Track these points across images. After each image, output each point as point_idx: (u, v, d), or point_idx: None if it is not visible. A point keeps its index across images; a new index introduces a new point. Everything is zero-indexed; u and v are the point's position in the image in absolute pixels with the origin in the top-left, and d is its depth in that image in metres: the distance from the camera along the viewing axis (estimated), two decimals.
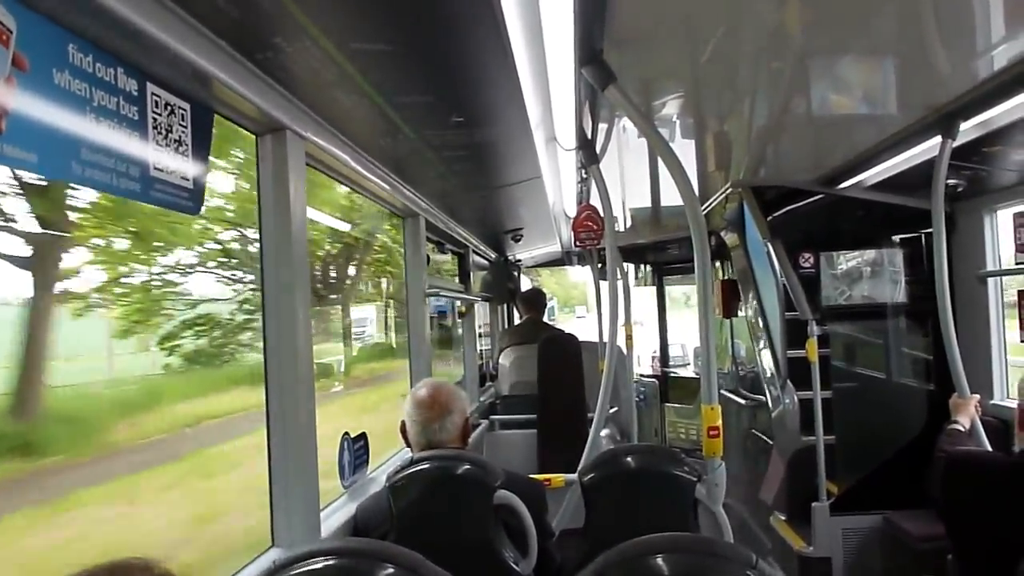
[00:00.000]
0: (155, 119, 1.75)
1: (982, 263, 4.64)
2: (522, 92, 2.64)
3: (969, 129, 3.29)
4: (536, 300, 7.15)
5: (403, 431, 2.73)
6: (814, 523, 4.57)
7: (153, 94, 1.74)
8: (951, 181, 4.17)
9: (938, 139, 3.34)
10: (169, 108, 1.81)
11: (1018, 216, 4.32)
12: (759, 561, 1.58)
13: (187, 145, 1.89)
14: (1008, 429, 3.79)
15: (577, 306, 36.84)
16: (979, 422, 3.47)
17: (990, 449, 3.39)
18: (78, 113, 1.49)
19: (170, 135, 1.81)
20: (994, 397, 4.56)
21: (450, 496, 2.45)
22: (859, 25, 2.43)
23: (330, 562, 1.65)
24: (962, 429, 3.32)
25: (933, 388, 4.88)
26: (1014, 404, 2.84)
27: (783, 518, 5.04)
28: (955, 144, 3.33)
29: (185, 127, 1.88)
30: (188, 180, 1.89)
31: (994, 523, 2.58)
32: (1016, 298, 4.35)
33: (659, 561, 1.60)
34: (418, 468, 2.45)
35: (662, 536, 1.67)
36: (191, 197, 1.91)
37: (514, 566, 2.42)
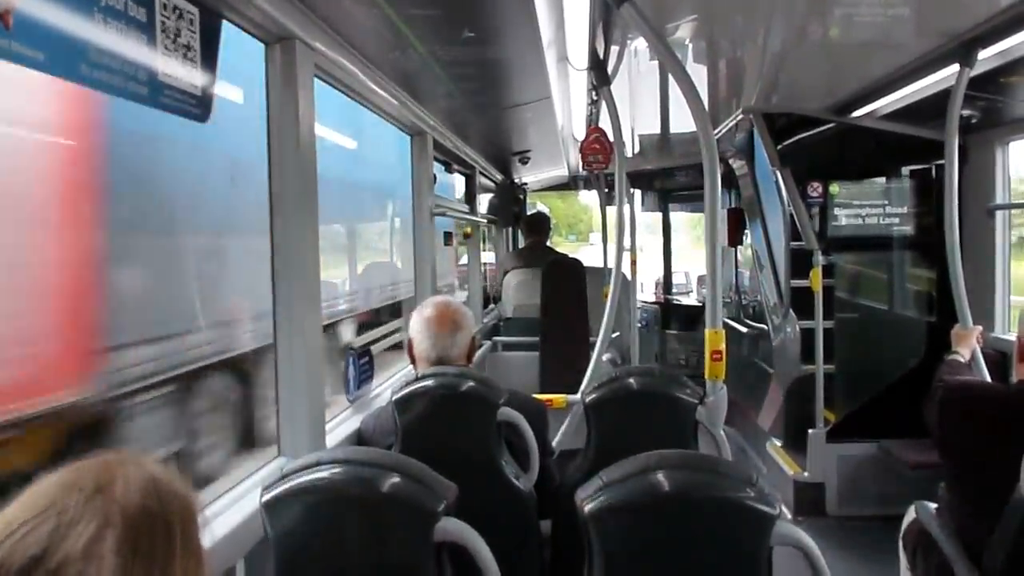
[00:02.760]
0: (163, 22, 1.72)
1: (992, 196, 4.62)
2: (535, 8, 2.59)
3: (987, 58, 3.23)
4: (540, 224, 7.16)
5: (409, 348, 2.75)
6: (810, 449, 4.64)
7: None
8: (965, 112, 4.12)
9: (955, 68, 3.28)
10: (177, 12, 1.78)
11: None
12: (758, 479, 1.61)
13: (195, 51, 1.87)
14: (1007, 361, 3.81)
15: (591, 233, 33.42)
16: (980, 353, 3.49)
17: (990, 380, 3.42)
18: (85, 13, 1.47)
19: (178, 39, 1.78)
20: (995, 330, 4.58)
21: (454, 412, 2.47)
22: None
23: (338, 470, 1.68)
24: (962, 360, 3.34)
25: (935, 320, 4.90)
26: (1015, 337, 2.85)
27: (779, 444, 5.11)
28: (972, 73, 3.27)
29: (194, 32, 1.85)
30: (196, 87, 1.87)
31: (987, 452, 2.61)
32: None
33: (660, 476, 1.63)
34: (424, 384, 2.47)
35: (665, 452, 1.70)
36: (199, 104, 1.89)
37: (515, 481, 2.46)
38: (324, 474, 1.66)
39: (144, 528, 0.90)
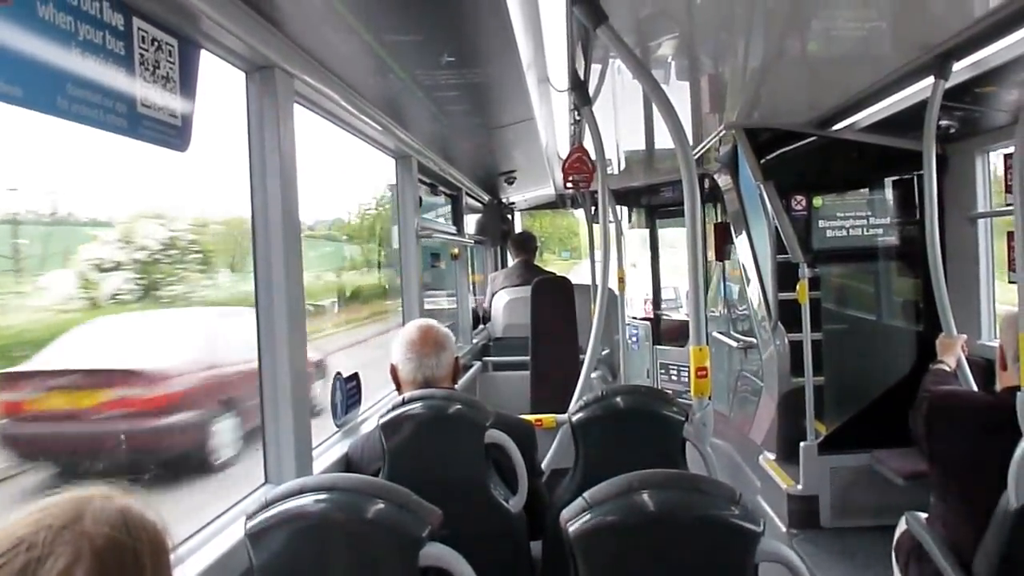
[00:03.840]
0: (142, 54, 1.73)
1: (973, 204, 4.65)
2: (513, 31, 2.61)
3: (962, 70, 3.27)
4: (527, 242, 7.19)
5: (393, 373, 2.76)
6: (802, 462, 4.64)
7: (139, 29, 1.72)
8: (943, 122, 4.16)
9: (931, 80, 3.32)
10: (156, 44, 1.79)
11: (1009, 157, 4.31)
12: (741, 497, 1.62)
13: (175, 82, 1.88)
14: (993, 368, 3.83)
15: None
16: (965, 361, 3.51)
17: (975, 388, 3.43)
18: (63, 47, 1.48)
19: (157, 71, 1.79)
20: (981, 337, 4.60)
21: (441, 435, 2.48)
22: None
23: (322, 497, 1.68)
24: (948, 369, 3.36)
25: (922, 329, 4.92)
26: (997, 344, 2.87)
27: (772, 457, 5.10)
28: (948, 85, 3.31)
29: (172, 63, 1.86)
30: (176, 117, 1.88)
31: (973, 460, 2.62)
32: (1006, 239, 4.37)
33: (645, 497, 1.64)
34: (410, 408, 2.47)
35: (648, 472, 1.71)
36: (179, 134, 1.90)
37: (504, 503, 2.46)
38: (307, 502, 1.66)
39: (113, 561, 0.92)
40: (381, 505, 1.65)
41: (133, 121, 1.71)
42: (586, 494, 1.66)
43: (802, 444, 4.65)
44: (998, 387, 2.85)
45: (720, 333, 6.55)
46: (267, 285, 2.40)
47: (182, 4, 1.80)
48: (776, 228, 4.91)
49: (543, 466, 3.15)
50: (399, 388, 2.75)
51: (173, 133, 1.87)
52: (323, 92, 2.77)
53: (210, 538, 2.04)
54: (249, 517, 1.68)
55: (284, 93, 2.41)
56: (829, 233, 5.21)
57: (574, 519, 1.62)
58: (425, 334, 2.73)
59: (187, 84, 1.94)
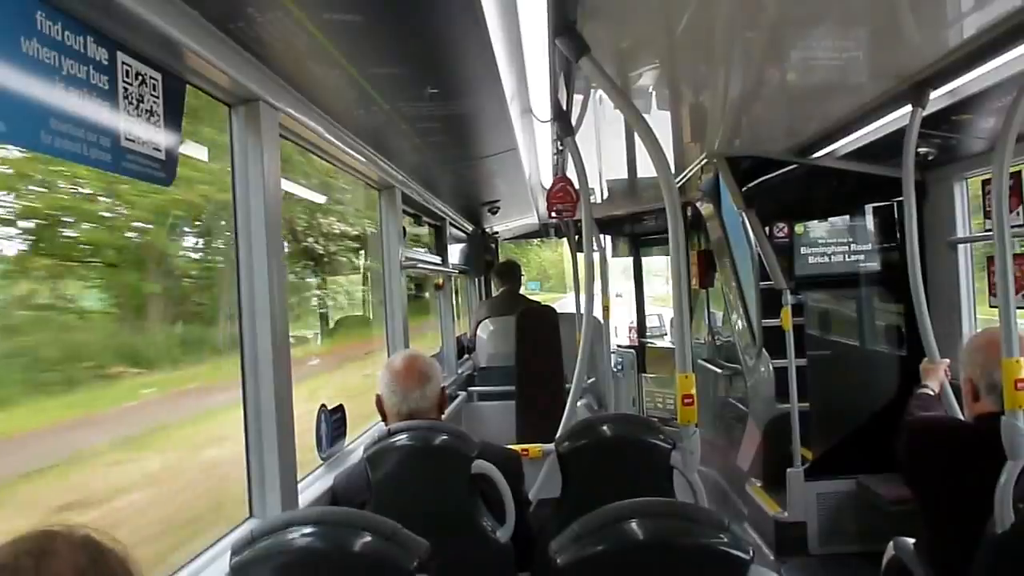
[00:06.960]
0: (126, 88, 1.73)
1: (952, 230, 4.69)
2: (496, 63, 2.63)
3: (939, 98, 3.32)
4: (511, 272, 7.19)
5: (379, 404, 2.75)
6: (789, 488, 4.64)
7: (123, 63, 1.72)
8: (922, 149, 4.20)
9: (909, 108, 3.36)
10: (140, 78, 1.79)
11: (987, 183, 4.36)
12: (730, 524, 1.62)
13: (159, 116, 1.88)
14: None
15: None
16: (948, 386, 3.53)
17: (959, 412, 3.45)
18: (47, 82, 1.48)
19: (141, 105, 1.80)
20: None
21: (428, 467, 2.47)
22: None
23: (308, 530, 1.67)
24: (931, 393, 3.38)
25: (905, 354, 4.94)
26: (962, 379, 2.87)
27: (759, 484, 5.10)
28: (925, 113, 3.35)
29: (156, 97, 1.87)
30: (160, 151, 1.88)
31: (957, 486, 2.63)
32: (986, 263, 4.41)
33: (633, 525, 1.63)
34: (395, 439, 2.46)
35: (636, 501, 1.70)
36: (163, 168, 1.90)
37: (492, 534, 2.44)
38: (294, 536, 1.65)
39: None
40: (368, 538, 1.64)
41: (117, 156, 1.70)
42: (575, 524, 1.66)
43: (789, 470, 4.65)
44: (966, 417, 2.85)
45: (705, 360, 6.57)
46: (251, 317, 2.40)
47: (167, 38, 1.80)
48: (759, 255, 4.94)
49: (530, 496, 3.13)
50: (385, 419, 2.74)
51: (157, 167, 1.87)
52: (307, 124, 2.78)
53: (196, 573, 2.02)
54: (235, 552, 1.66)
55: (268, 126, 2.42)
56: (811, 260, 5.25)
57: (563, 550, 1.61)
58: (410, 365, 2.72)
59: (171, 118, 1.94)
